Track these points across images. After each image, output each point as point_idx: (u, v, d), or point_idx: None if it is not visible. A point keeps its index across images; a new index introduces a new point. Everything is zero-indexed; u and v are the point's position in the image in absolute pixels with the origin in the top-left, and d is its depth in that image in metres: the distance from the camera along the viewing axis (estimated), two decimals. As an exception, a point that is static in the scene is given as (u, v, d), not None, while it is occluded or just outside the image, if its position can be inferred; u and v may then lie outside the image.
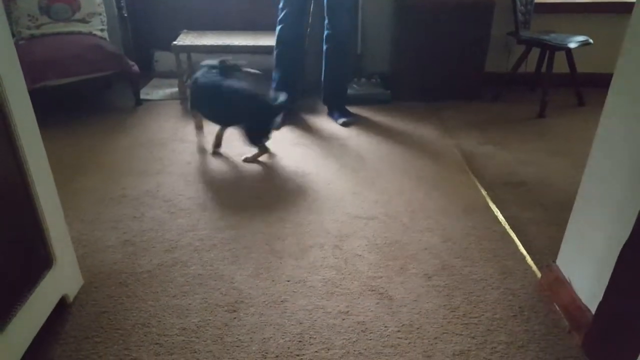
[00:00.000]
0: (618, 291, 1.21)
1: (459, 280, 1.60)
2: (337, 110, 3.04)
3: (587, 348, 1.32)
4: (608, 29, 3.43)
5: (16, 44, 2.73)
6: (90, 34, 3.06)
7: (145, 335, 1.36)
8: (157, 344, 1.34)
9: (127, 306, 1.47)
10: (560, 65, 3.18)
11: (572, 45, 3.04)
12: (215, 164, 2.40)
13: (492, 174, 2.35)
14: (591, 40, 3.14)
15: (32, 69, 2.64)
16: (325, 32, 2.91)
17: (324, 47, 2.95)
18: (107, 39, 3.17)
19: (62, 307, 1.44)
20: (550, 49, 3.11)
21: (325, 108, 3.13)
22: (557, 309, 1.48)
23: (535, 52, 3.38)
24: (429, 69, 3.33)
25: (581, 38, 3.13)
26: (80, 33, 3.03)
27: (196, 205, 2.02)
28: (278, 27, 2.89)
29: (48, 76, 2.73)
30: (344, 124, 2.93)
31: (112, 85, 3.46)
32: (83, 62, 2.85)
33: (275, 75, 3.01)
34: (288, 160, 2.45)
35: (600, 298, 1.27)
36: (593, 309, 1.32)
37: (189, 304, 1.48)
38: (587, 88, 3.33)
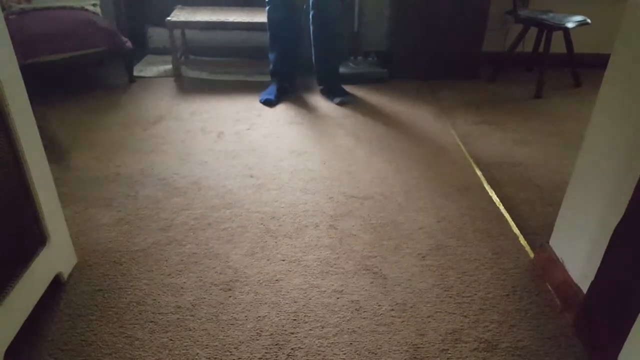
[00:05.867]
0: (610, 272, 1.22)
1: (453, 260, 1.61)
2: (332, 90, 3.01)
3: (578, 327, 1.34)
4: (606, 9, 3.41)
5: (6, 19, 2.68)
6: (82, 9, 3.00)
7: (140, 314, 1.37)
8: (152, 322, 1.34)
9: (121, 284, 1.47)
10: (557, 45, 3.16)
11: (569, 25, 3.01)
12: (210, 142, 2.38)
13: (488, 154, 2.35)
14: (589, 20, 3.12)
15: (23, 44, 2.60)
16: (311, 12, 2.85)
17: (311, 29, 2.89)
18: (100, 14, 3.11)
19: (57, 285, 1.44)
20: (548, 29, 3.09)
21: (318, 87, 3.11)
22: (550, 288, 1.49)
23: (532, 32, 3.36)
24: (426, 48, 3.30)
25: (579, 18, 3.10)
26: (72, 8, 2.97)
27: (191, 184, 2.02)
28: (266, 9, 2.84)
29: (39, 52, 2.69)
30: (340, 103, 2.91)
31: (105, 62, 3.41)
32: (75, 38, 2.81)
33: (270, 56, 2.98)
34: (283, 139, 2.44)
35: (592, 278, 1.28)
36: (585, 289, 1.33)
37: (184, 282, 1.49)
38: (584, 68, 3.32)
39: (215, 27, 3.29)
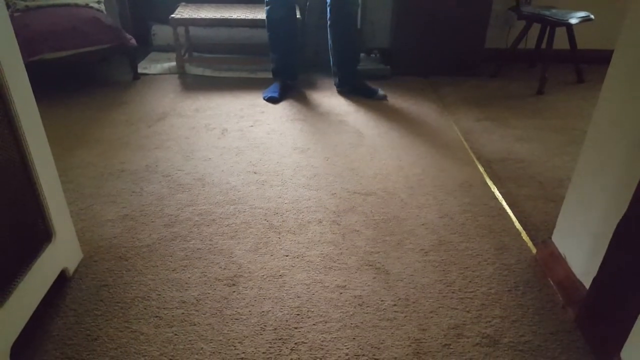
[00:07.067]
0: (612, 267, 1.22)
1: (455, 256, 1.62)
2: (365, 87, 3.01)
3: (580, 323, 1.34)
4: (609, 5, 3.40)
5: (11, 16, 2.69)
6: (86, 6, 3.02)
7: (145, 309, 1.38)
8: (156, 316, 1.35)
9: (126, 280, 1.49)
10: (560, 42, 3.16)
11: (573, 21, 3.01)
12: (214, 139, 2.39)
13: (490, 151, 2.36)
14: (592, 16, 3.11)
15: (28, 41, 2.61)
16: (328, 16, 2.86)
17: (329, 28, 2.91)
18: (104, 11, 3.13)
19: (62, 280, 1.45)
20: (550, 25, 3.09)
21: (322, 84, 3.11)
22: (552, 284, 1.50)
23: (535, 28, 3.36)
24: (428, 44, 3.30)
25: (582, 14, 3.10)
26: (76, 5, 2.99)
27: (195, 180, 2.03)
28: (266, 9, 2.84)
29: (44, 49, 2.70)
30: (384, 96, 2.95)
31: (109, 59, 3.43)
32: (79, 35, 2.82)
33: (272, 56, 2.99)
34: (286, 136, 2.45)
35: (594, 274, 1.28)
36: (587, 284, 1.34)
37: (189, 277, 1.50)
38: (587, 65, 3.32)
39: (219, 24, 3.29)
